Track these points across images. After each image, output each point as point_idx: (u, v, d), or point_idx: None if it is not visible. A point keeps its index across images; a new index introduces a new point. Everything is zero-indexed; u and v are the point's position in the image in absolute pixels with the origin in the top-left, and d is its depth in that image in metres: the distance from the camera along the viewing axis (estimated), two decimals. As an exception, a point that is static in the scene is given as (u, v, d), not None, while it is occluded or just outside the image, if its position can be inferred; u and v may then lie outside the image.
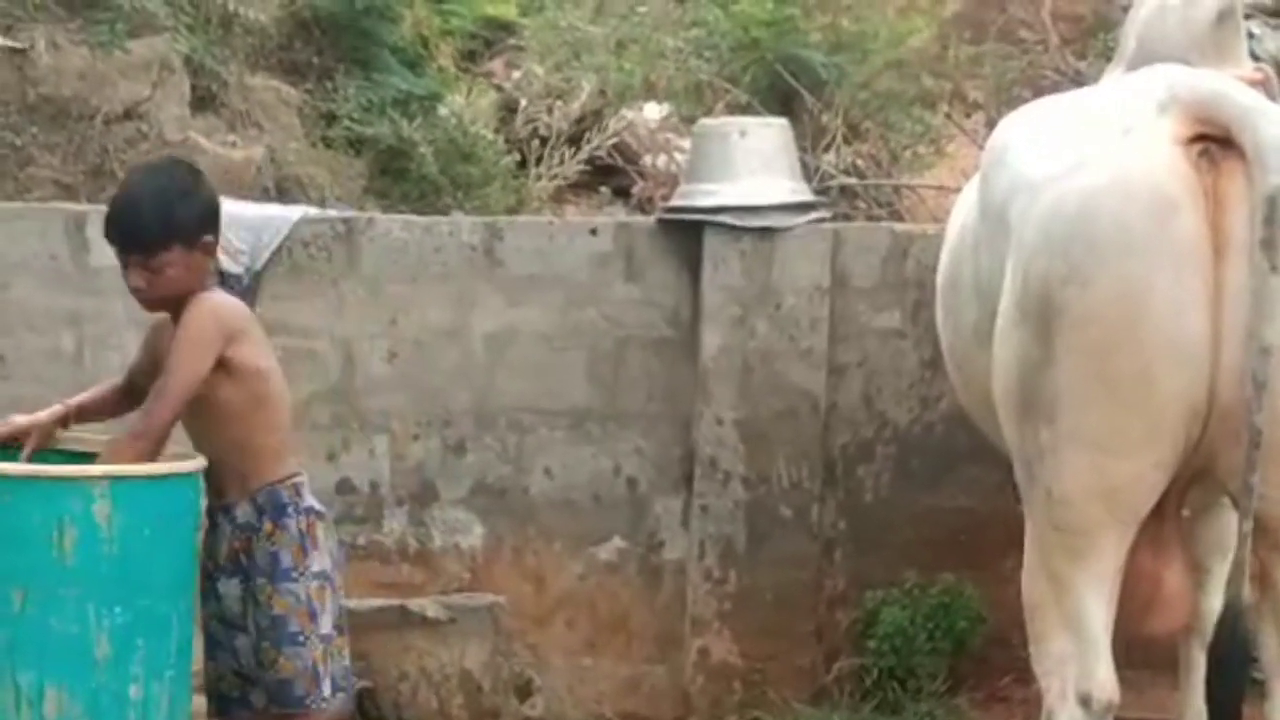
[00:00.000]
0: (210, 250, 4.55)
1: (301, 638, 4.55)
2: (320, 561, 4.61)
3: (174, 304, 4.55)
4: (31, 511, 4.10)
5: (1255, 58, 5.15)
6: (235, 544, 4.60)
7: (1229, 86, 4.32)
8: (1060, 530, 4.34)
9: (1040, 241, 4.27)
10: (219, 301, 4.56)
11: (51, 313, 6.28)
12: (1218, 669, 4.25)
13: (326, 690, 4.59)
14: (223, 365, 4.45)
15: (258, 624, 4.57)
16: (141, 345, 4.83)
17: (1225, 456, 4.23)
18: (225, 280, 6.18)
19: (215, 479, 4.57)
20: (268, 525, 4.57)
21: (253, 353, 4.54)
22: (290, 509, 4.58)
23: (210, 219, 4.58)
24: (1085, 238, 4.18)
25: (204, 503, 4.53)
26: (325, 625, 4.59)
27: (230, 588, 4.61)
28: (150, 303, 4.60)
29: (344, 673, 4.68)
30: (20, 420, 4.70)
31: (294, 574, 4.56)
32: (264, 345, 4.63)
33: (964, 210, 5.08)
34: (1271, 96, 4.70)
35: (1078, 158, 4.28)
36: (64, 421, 4.73)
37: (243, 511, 4.58)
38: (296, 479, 4.64)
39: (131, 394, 4.73)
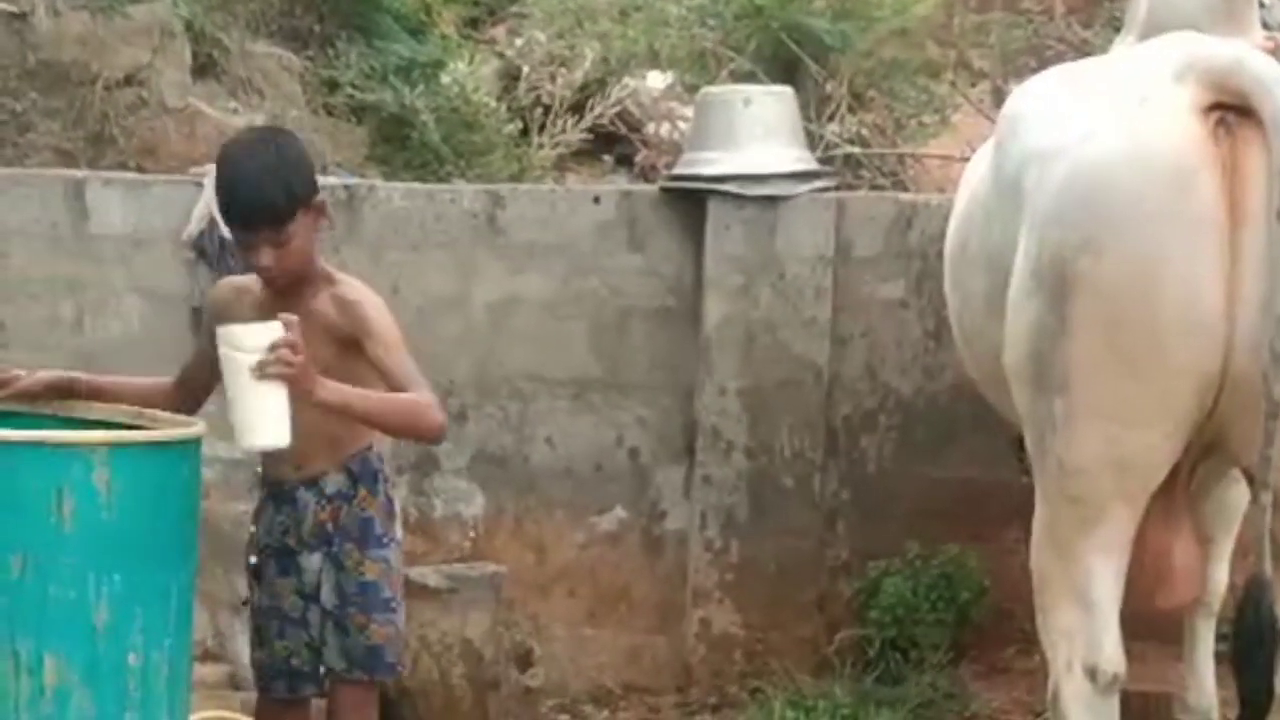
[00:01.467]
0: (324, 210, 4.46)
1: (394, 603, 4.49)
2: (398, 530, 4.57)
3: (296, 278, 4.42)
4: (31, 478, 4.06)
5: (1265, 26, 5.12)
6: (322, 515, 4.48)
7: (1247, 55, 4.28)
8: (1071, 501, 4.31)
9: (1055, 210, 4.24)
10: (369, 292, 4.48)
11: (51, 280, 6.26)
12: (1245, 646, 4.20)
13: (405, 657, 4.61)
14: (346, 341, 4.37)
15: (342, 590, 4.47)
16: (201, 332, 4.70)
17: (1238, 428, 4.20)
18: (225, 247, 6.15)
19: (298, 450, 4.31)
20: (362, 491, 4.48)
21: None
22: (380, 475, 4.51)
23: (315, 178, 4.48)
24: (1100, 207, 4.15)
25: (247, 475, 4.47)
26: (401, 592, 4.56)
27: (312, 561, 4.49)
28: (279, 279, 4.40)
29: None
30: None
31: (385, 540, 4.48)
32: None
33: (974, 180, 5.04)
34: (1282, 65, 4.66)
35: (1093, 126, 4.24)
36: (64, 391, 4.63)
37: (333, 481, 4.48)
38: (379, 447, 4.58)
39: (182, 388, 4.61)
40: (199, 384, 4.57)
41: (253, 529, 4.62)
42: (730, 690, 6.38)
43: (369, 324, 4.36)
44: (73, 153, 7.11)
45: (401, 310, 6.30)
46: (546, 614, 6.47)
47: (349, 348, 4.36)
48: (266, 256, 4.34)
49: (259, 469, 4.63)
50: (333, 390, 4.17)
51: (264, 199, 4.31)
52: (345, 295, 4.41)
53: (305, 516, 4.51)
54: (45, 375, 4.59)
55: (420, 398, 4.29)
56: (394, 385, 4.32)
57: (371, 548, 4.47)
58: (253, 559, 4.60)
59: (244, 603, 4.71)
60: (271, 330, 4.08)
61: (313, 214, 4.40)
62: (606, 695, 6.46)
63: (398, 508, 4.59)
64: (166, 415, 4.44)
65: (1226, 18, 4.86)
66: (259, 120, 7.43)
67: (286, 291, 4.40)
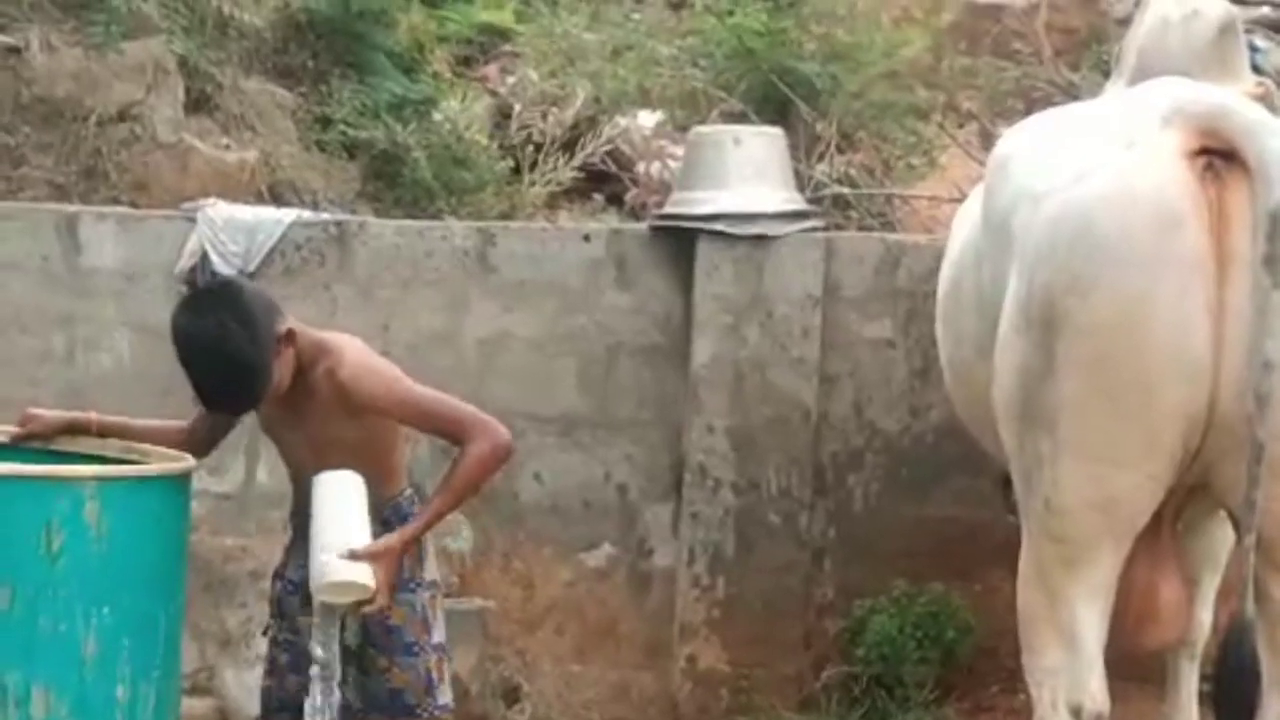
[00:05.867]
0: (291, 338, 4.37)
1: (416, 648, 4.47)
2: (432, 571, 4.53)
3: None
4: (21, 511, 4.09)
5: (1258, 71, 5.14)
6: None
7: (1233, 101, 4.32)
8: (1057, 541, 4.34)
9: (1043, 251, 4.27)
10: (353, 354, 4.46)
11: (43, 313, 6.28)
12: (1226, 685, 4.22)
13: (442, 698, 4.51)
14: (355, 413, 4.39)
15: (367, 630, 4.44)
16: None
17: (1223, 470, 4.23)
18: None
19: None
20: None
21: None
22: (412, 518, 4.45)
23: (269, 314, 4.37)
24: (1088, 248, 4.18)
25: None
26: (438, 634, 4.51)
27: None
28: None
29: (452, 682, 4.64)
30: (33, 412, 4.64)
31: (411, 585, 4.46)
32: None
33: (965, 223, 5.07)
34: (1273, 110, 4.67)
35: (1081, 169, 4.28)
36: (76, 429, 4.62)
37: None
38: (410, 490, 4.56)
39: (191, 436, 4.60)
40: (210, 439, 4.61)
41: (281, 560, 4.60)
42: (716, 727, 6.40)
43: (376, 401, 4.38)
44: (66, 187, 7.14)
45: (392, 346, 6.37)
46: (534, 650, 6.48)
47: (360, 413, 4.38)
48: (263, 406, 4.38)
49: (291, 504, 4.60)
50: (396, 556, 4.28)
51: (238, 393, 4.29)
52: (337, 376, 4.36)
53: None
54: (61, 415, 4.63)
55: (473, 448, 4.32)
56: (433, 429, 4.49)
57: (398, 592, 4.40)
58: (278, 589, 4.58)
59: (264, 631, 4.68)
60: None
61: (282, 345, 4.33)
62: (593, 731, 6.48)
63: (430, 548, 4.54)
64: (157, 450, 4.46)
65: (1216, 63, 4.89)
66: (251, 156, 7.45)
67: (291, 383, 4.39)
